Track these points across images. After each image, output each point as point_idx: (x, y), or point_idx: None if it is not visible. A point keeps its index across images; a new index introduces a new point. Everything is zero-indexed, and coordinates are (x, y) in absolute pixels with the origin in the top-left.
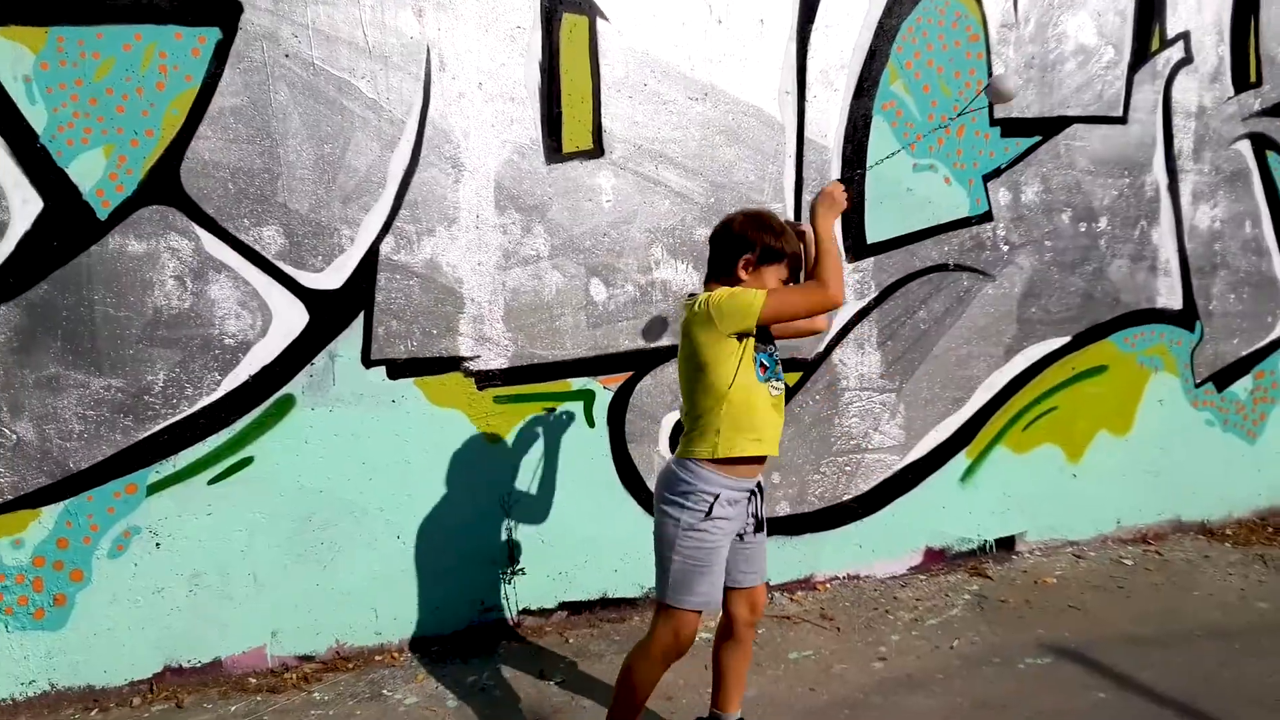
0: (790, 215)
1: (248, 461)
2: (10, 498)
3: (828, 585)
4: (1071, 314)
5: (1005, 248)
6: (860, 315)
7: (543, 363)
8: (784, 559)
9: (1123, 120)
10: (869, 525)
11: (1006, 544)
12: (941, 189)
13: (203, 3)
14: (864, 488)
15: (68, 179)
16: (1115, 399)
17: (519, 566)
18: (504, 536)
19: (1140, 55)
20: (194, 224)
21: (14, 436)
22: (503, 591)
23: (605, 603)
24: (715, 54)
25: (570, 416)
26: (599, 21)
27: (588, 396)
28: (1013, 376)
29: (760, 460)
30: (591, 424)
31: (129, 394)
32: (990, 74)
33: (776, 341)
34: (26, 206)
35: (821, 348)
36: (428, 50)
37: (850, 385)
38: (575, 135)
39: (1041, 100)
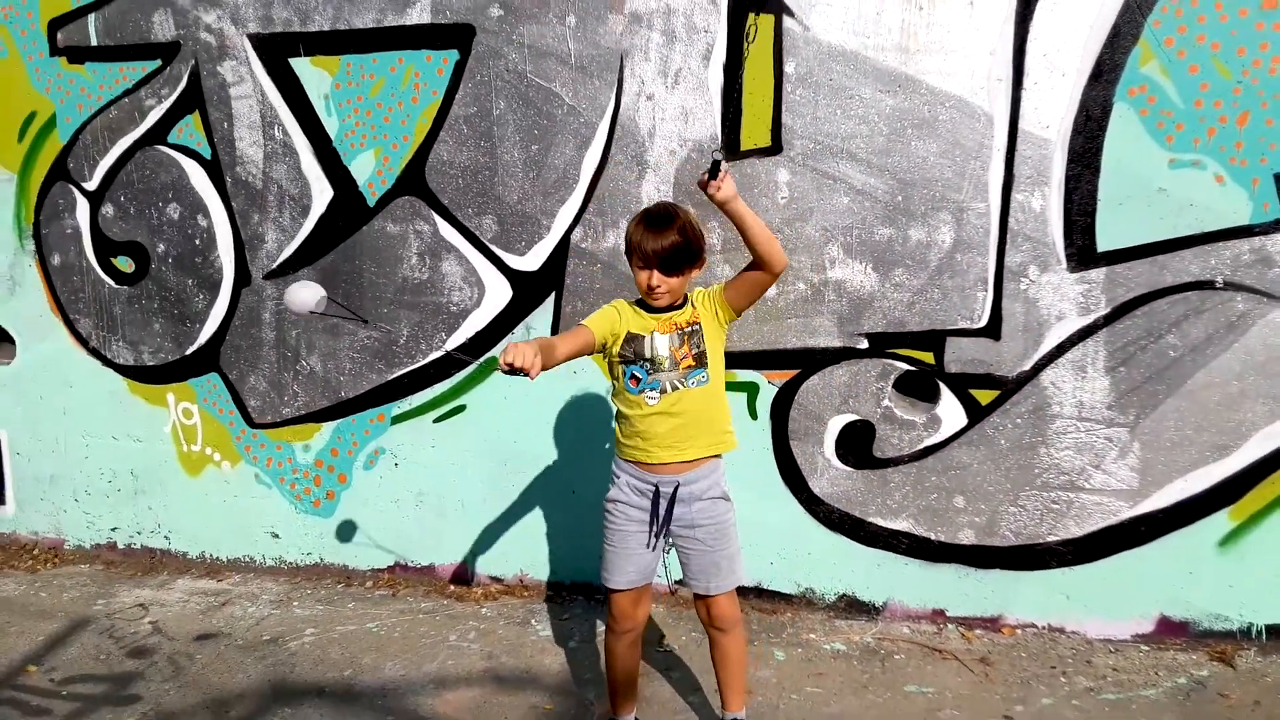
0: (995, 216)
1: (462, 409)
2: (304, 412)
3: (1016, 631)
4: None
5: None
6: (1084, 334)
7: None
8: (964, 591)
9: None
10: (1081, 575)
11: None
12: (1210, 189)
13: (447, 29)
14: (1076, 532)
15: (349, 175)
16: None
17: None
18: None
19: None
20: (433, 212)
21: (308, 367)
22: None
23: (760, 592)
24: (913, 43)
25: None
26: (785, 19)
27: (752, 389)
28: None
29: (663, 464)
30: (754, 416)
31: (383, 344)
32: None
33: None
34: (323, 195)
35: (1027, 366)
36: (621, 59)
37: (1065, 413)
38: (754, 132)
39: None
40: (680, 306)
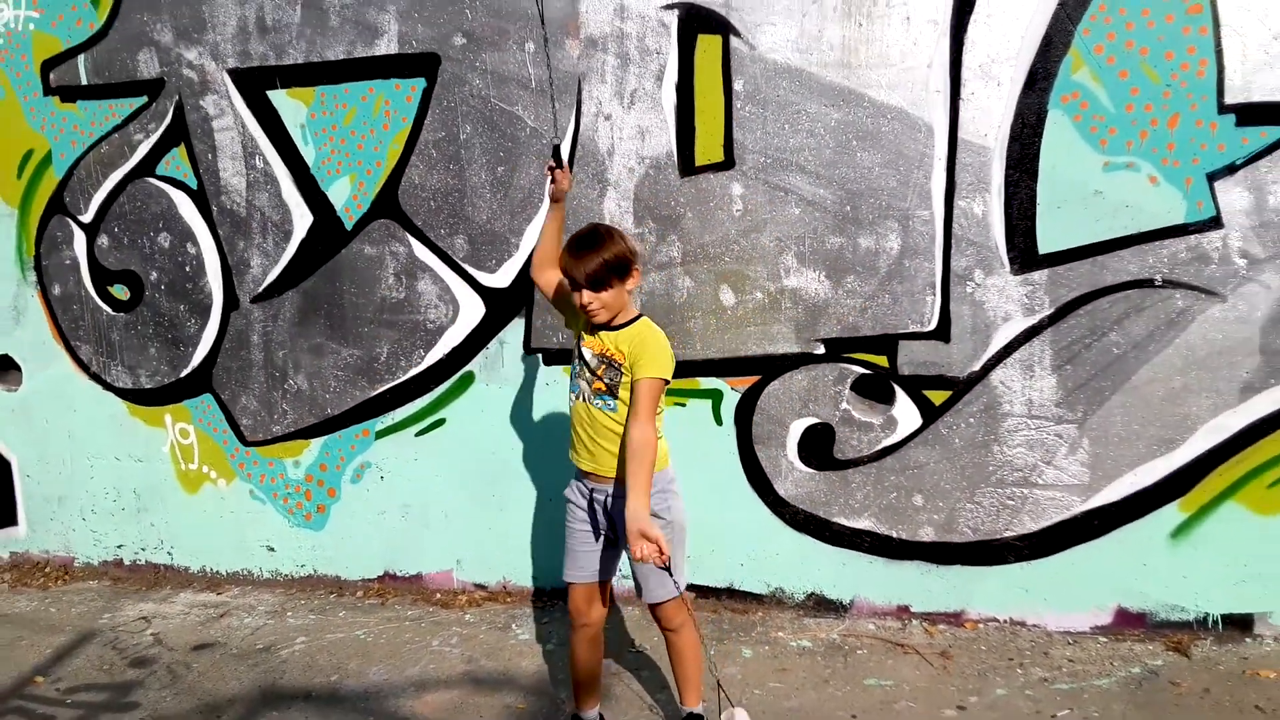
0: (939, 223)
1: (442, 422)
2: (293, 429)
3: (978, 625)
4: None
5: (1241, 261)
6: (1030, 334)
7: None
8: (926, 587)
9: None
10: (1038, 569)
11: (1241, 623)
12: (1145, 190)
13: (414, 58)
14: (1032, 526)
15: (327, 200)
16: None
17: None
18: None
19: None
20: (408, 234)
21: (295, 386)
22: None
23: (731, 593)
24: (854, 59)
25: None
26: (732, 39)
27: (715, 396)
28: (1253, 420)
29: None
30: (719, 422)
31: (364, 361)
32: (1220, 51)
33: None
34: (302, 220)
35: (977, 367)
36: (579, 82)
37: (1015, 411)
38: (707, 149)
39: None
40: (627, 325)
